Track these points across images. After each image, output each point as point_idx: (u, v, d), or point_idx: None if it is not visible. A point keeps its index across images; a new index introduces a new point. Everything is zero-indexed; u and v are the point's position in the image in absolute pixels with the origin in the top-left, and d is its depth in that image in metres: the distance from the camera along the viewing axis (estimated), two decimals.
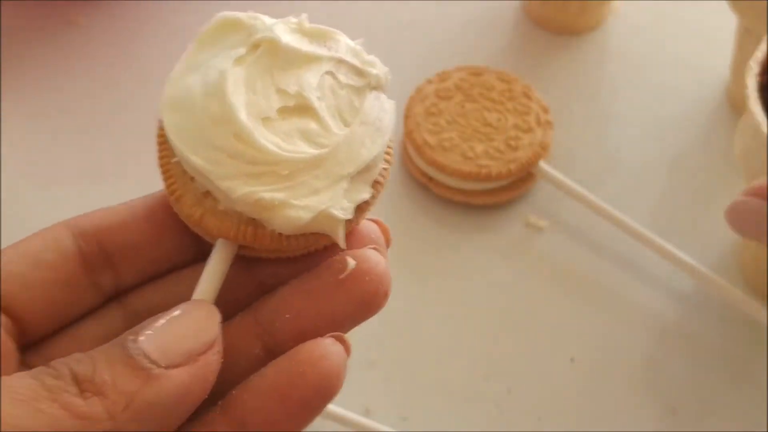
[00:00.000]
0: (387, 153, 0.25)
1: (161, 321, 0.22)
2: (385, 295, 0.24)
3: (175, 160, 0.24)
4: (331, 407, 0.39)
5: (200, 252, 0.26)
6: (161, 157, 0.25)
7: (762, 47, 0.40)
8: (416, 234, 0.47)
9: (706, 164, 0.50)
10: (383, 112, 0.25)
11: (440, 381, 0.41)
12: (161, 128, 0.24)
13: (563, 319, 0.43)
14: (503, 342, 0.43)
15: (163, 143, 0.25)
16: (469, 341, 0.42)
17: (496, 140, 0.47)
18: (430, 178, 0.47)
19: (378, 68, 0.25)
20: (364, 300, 0.24)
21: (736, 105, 0.50)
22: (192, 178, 0.24)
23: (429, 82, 0.49)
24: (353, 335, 0.43)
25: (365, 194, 0.24)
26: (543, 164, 0.46)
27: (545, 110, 0.48)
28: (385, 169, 0.25)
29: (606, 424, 0.40)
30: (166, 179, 0.25)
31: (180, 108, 0.24)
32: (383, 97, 0.25)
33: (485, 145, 0.46)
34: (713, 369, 0.42)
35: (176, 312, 0.22)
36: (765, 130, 0.37)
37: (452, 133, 0.47)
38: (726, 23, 0.49)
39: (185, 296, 0.24)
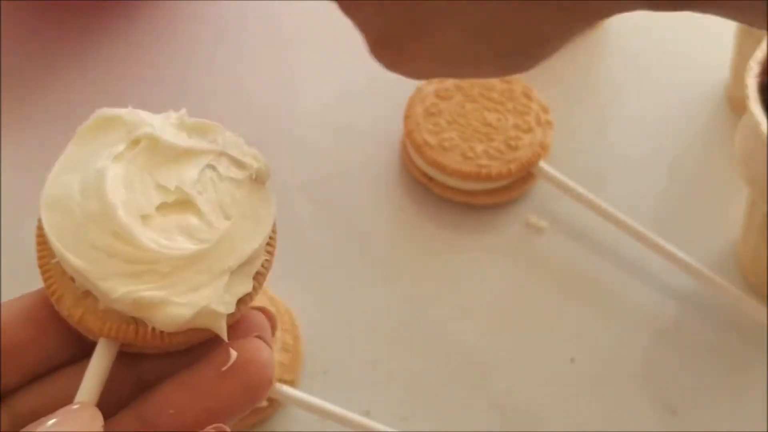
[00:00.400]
0: (269, 244, 0.25)
1: (44, 427, 0.22)
2: (269, 383, 0.24)
3: (54, 260, 0.24)
4: (332, 407, 0.39)
5: (83, 348, 0.25)
6: (40, 257, 0.24)
7: (762, 47, 0.40)
8: (416, 234, 0.47)
9: (706, 164, 0.50)
10: (264, 204, 0.25)
11: (440, 381, 0.41)
12: (40, 227, 0.24)
13: (563, 319, 0.43)
14: (503, 342, 0.43)
15: (42, 243, 0.24)
16: (469, 341, 0.42)
17: (496, 140, 0.47)
18: (430, 178, 0.47)
19: (259, 160, 0.25)
20: (248, 390, 0.24)
21: (736, 105, 0.50)
22: (71, 278, 0.24)
23: (429, 82, 0.49)
24: (353, 336, 0.43)
25: (247, 287, 0.24)
26: (543, 164, 0.46)
27: (545, 110, 0.48)
28: (267, 260, 0.25)
29: (606, 424, 0.40)
30: (45, 279, 0.24)
31: (58, 207, 0.24)
32: (264, 189, 0.25)
33: (485, 145, 0.46)
34: (713, 369, 0.42)
35: (57, 418, 0.22)
36: (765, 130, 0.37)
37: (452, 133, 0.47)
38: (726, 23, 0.49)
39: (69, 395, 0.23)
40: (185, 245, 0.23)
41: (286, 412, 0.40)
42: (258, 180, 0.25)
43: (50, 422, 0.22)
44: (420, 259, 0.46)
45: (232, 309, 0.24)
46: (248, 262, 0.24)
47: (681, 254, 0.44)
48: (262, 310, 0.26)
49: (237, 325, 0.25)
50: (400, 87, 0.50)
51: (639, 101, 0.52)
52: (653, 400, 0.41)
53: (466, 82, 0.49)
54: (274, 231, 0.25)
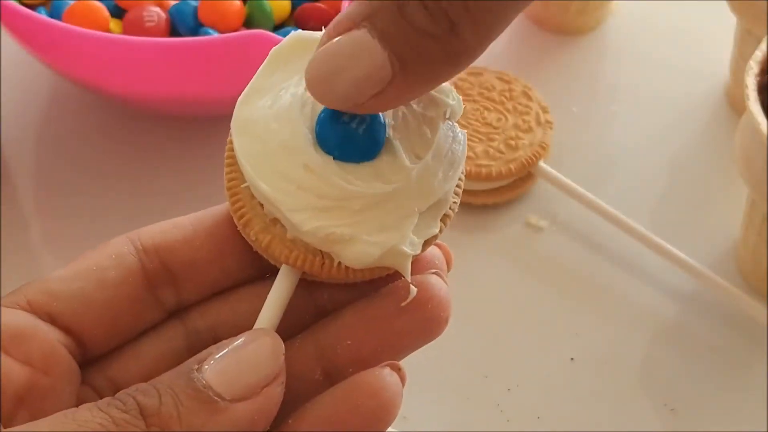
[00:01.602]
0: (457, 186, 0.24)
1: (225, 351, 0.22)
2: (446, 321, 0.24)
3: (244, 185, 0.24)
4: None
5: (261, 270, 0.25)
6: (229, 179, 0.24)
7: (762, 47, 0.40)
8: None
9: (706, 164, 0.50)
10: (456, 144, 0.24)
11: (440, 381, 0.41)
12: (230, 149, 0.24)
13: (563, 319, 0.43)
14: (503, 341, 0.43)
15: (232, 164, 0.24)
16: (469, 341, 0.42)
17: (496, 140, 0.47)
18: None
19: (453, 97, 0.24)
20: (425, 327, 0.24)
21: (736, 105, 0.50)
22: (260, 204, 0.23)
23: None
24: None
25: (434, 229, 0.24)
26: (543, 164, 0.46)
27: (545, 110, 0.48)
28: (454, 202, 0.24)
29: (606, 423, 0.40)
30: (233, 202, 0.24)
31: (250, 132, 0.23)
32: (456, 127, 0.24)
33: (485, 145, 0.46)
34: (713, 369, 0.42)
35: (240, 341, 0.22)
36: (765, 130, 0.37)
37: None
38: (726, 23, 0.49)
39: (246, 315, 0.24)
40: (376, 184, 0.23)
41: None
42: (450, 118, 0.24)
43: (232, 345, 0.22)
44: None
45: (418, 250, 0.23)
46: (437, 204, 0.24)
47: (681, 254, 0.44)
48: (440, 246, 0.26)
49: (416, 260, 0.24)
50: None
51: (639, 101, 0.52)
52: (653, 399, 0.41)
53: (465, 82, 0.49)
54: (463, 172, 0.25)
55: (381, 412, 0.22)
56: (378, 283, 0.24)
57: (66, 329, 0.23)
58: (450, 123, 0.24)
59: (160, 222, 0.25)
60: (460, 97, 0.25)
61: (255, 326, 0.23)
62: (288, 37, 0.24)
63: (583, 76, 0.53)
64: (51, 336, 0.23)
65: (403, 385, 0.23)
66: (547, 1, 0.53)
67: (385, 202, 0.23)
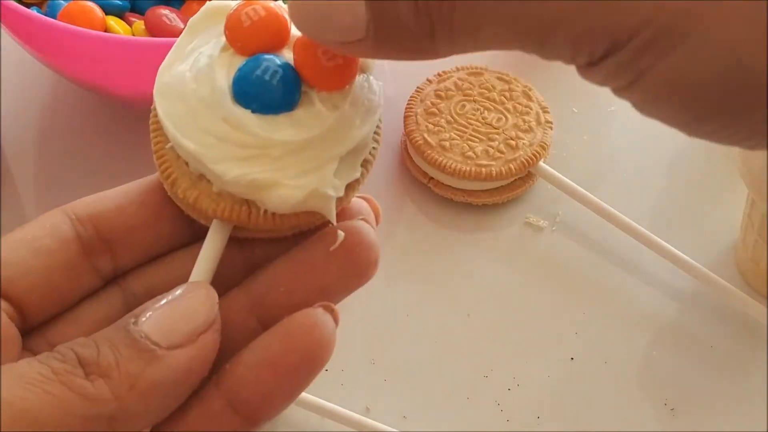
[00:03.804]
0: (376, 133, 0.26)
1: (161, 303, 0.22)
2: (375, 264, 0.25)
3: (169, 145, 0.24)
4: (331, 406, 0.39)
5: (194, 234, 0.26)
6: (155, 143, 0.25)
7: None
8: (416, 233, 0.47)
9: (706, 164, 0.50)
10: (372, 93, 0.25)
11: (440, 380, 0.41)
12: (154, 114, 0.25)
13: (563, 319, 0.43)
14: (503, 341, 0.43)
15: (157, 129, 0.25)
16: (469, 340, 0.42)
17: (496, 140, 0.47)
18: (430, 178, 0.47)
19: None
20: (355, 270, 0.25)
21: None
22: (186, 163, 0.24)
23: (429, 81, 0.49)
24: (353, 335, 0.43)
25: (355, 173, 0.25)
26: (543, 164, 0.47)
27: (545, 110, 0.48)
28: (374, 148, 0.26)
29: (606, 422, 0.40)
30: (160, 164, 0.25)
31: (171, 94, 0.24)
32: (371, 78, 0.26)
33: (485, 145, 0.46)
34: (712, 368, 0.42)
35: (175, 293, 0.23)
36: None
37: (452, 133, 0.47)
38: None
39: (182, 277, 0.24)
40: (295, 132, 0.24)
41: (285, 410, 0.40)
42: (365, 70, 0.25)
43: (166, 299, 0.23)
44: (420, 259, 0.46)
45: (341, 193, 0.24)
46: (357, 149, 0.25)
47: (681, 254, 0.44)
48: (367, 199, 0.26)
49: (342, 212, 0.25)
50: (400, 87, 0.50)
51: None
52: (652, 398, 0.41)
53: (466, 82, 0.49)
54: (380, 120, 0.26)
55: (315, 349, 0.23)
56: (308, 236, 0.25)
57: (5, 296, 0.24)
58: (365, 75, 0.25)
59: (94, 194, 0.26)
60: None
61: (189, 280, 0.24)
62: (203, 7, 0.26)
63: None
64: None
65: (337, 325, 0.24)
66: None
67: (304, 148, 0.24)
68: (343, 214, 0.25)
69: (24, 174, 0.48)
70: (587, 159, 0.50)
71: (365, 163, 0.25)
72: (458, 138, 0.47)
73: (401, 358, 0.42)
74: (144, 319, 0.22)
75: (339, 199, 0.24)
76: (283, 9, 0.25)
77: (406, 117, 0.48)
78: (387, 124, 0.50)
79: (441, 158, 0.46)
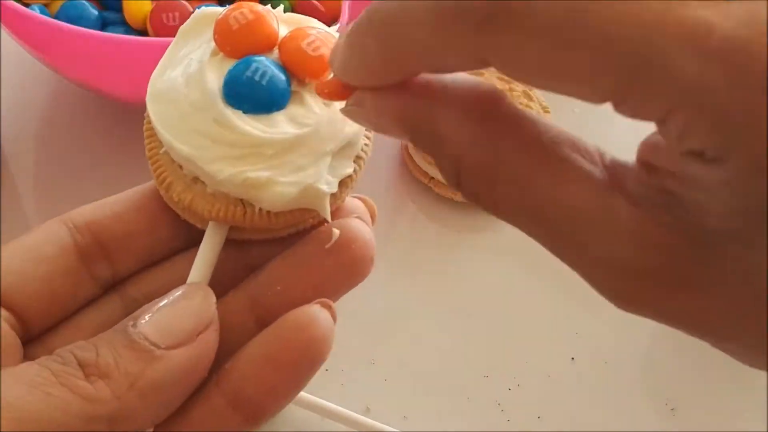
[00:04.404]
0: (368, 129, 0.26)
1: (159, 305, 0.23)
2: (371, 261, 0.25)
3: (163, 150, 0.25)
4: (332, 406, 0.39)
5: (192, 239, 0.26)
6: (149, 149, 0.25)
7: None
8: (417, 233, 0.47)
9: None
10: None
11: (440, 380, 0.41)
12: (148, 121, 0.25)
13: (563, 319, 0.43)
14: (503, 341, 0.43)
15: (151, 135, 0.25)
16: (469, 340, 0.42)
17: None
18: (431, 178, 0.47)
19: None
20: (351, 267, 0.25)
21: None
22: (180, 166, 0.25)
23: None
24: (353, 335, 0.43)
25: (348, 169, 0.25)
26: None
27: (546, 110, 0.48)
28: (366, 144, 0.26)
29: (606, 422, 0.40)
30: (155, 169, 0.25)
31: (164, 99, 0.24)
32: None
33: None
34: (713, 368, 0.42)
35: (173, 296, 0.23)
36: None
37: None
38: None
39: (181, 282, 0.24)
40: (287, 129, 0.24)
41: (285, 410, 0.40)
42: None
43: (165, 301, 0.23)
44: (420, 258, 0.46)
45: (334, 189, 0.24)
46: (349, 144, 0.25)
47: None
48: (362, 199, 0.27)
49: (338, 210, 0.25)
50: None
51: None
52: (653, 398, 0.41)
53: None
54: None
55: (313, 346, 0.23)
56: (304, 235, 0.25)
57: (6, 305, 0.24)
58: None
59: (91, 203, 0.26)
60: None
61: (187, 282, 0.24)
62: (193, 15, 0.26)
63: None
64: None
65: (334, 321, 0.24)
66: None
67: (296, 146, 0.24)
68: (338, 213, 0.26)
69: (24, 174, 0.48)
70: None
71: (358, 159, 0.25)
72: None
73: (401, 358, 0.42)
74: (143, 320, 0.22)
75: (333, 197, 0.24)
76: (270, 12, 0.25)
77: None
78: None
79: None
